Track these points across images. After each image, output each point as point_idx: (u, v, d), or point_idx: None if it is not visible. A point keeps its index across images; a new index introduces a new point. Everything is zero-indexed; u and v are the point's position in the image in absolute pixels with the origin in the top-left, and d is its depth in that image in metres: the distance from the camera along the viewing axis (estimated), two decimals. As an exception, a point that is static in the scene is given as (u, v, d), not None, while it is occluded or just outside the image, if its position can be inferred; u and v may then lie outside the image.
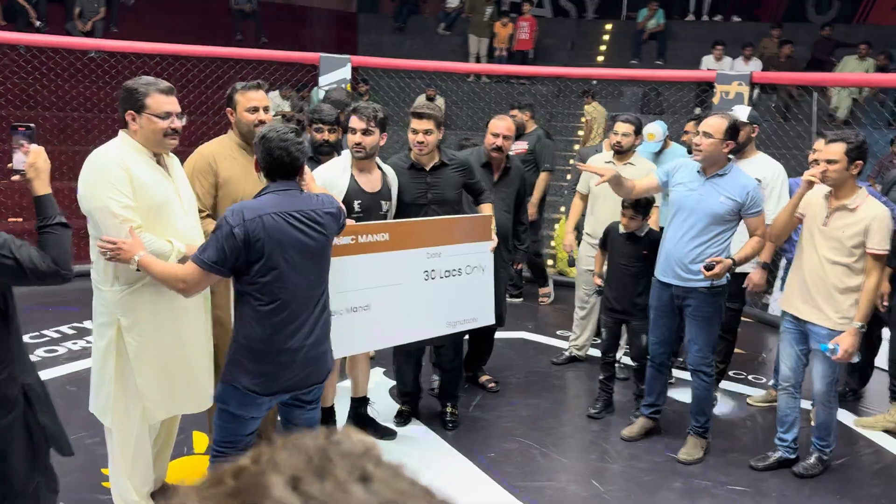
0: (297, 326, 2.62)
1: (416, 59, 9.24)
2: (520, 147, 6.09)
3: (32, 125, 2.38)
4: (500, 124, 4.34)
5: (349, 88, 6.73)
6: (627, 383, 4.64)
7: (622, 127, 4.74)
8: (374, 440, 0.54)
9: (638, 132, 4.78)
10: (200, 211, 3.13)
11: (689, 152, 4.79)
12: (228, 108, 3.34)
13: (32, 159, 2.27)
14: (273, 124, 2.71)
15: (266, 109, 3.31)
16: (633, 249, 4.18)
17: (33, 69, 8.20)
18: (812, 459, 3.77)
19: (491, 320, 4.05)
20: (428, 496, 0.49)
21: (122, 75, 9.14)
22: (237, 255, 2.48)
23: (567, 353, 5.21)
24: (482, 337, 4.64)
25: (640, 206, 4.08)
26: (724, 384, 4.83)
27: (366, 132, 3.48)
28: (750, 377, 5.11)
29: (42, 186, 2.27)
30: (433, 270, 3.72)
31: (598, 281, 4.39)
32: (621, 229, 4.20)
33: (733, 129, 3.62)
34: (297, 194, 2.63)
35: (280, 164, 2.59)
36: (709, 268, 3.55)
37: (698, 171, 3.74)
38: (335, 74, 6.84)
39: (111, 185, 2.64)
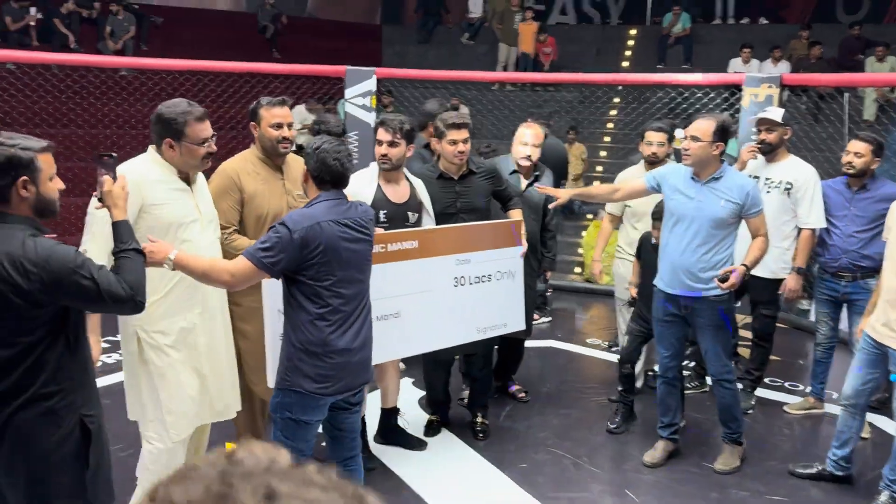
0: (347, 328, 2.72)
1: (441, 69, 9.26)
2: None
3: (115, 154, 2.45)
4: (528, 132, 4.31)
5: (374, 101, 6.74)
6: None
7: (655, 136, 4.52)
8: (278, 450, 0.51)
9: (671, 139, 4.64)
10: (225, 228, 3.16)
11: (678, 159, 4.65)
12: (252, 123, 3.37)
13: (108, 188, 2.36)
14: (323, 136, 2.82)
15: (290, 126, 3.37)
16: None
17: (66, 87, 8.36)
18: (883, 498, 3.40)
19: (521, 326, 4.02)
20: (344, 497, 0.46)
21: (153, 92, 9.29)
22: (291, 257, 2.58)
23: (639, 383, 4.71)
24: (512, 346, 4.59)
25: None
26: (760, 392, 4.72)
27: (392, 144, 3.51)
28: (786, 384, 5.00)
29: (118, 213, 2.35)
30: (463, 277, 3.72)
31: (634, 291, 4.28)
32: (653, 240, 4.09)
33: (722, 131, 3.50)
34: (345, 202, 2.75)
35: (335, 174, 2.72)
36: (724, 279, 3.45)
37: (692, 178, 3.61)
38: (361, 87, 6.86)
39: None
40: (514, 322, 3.98)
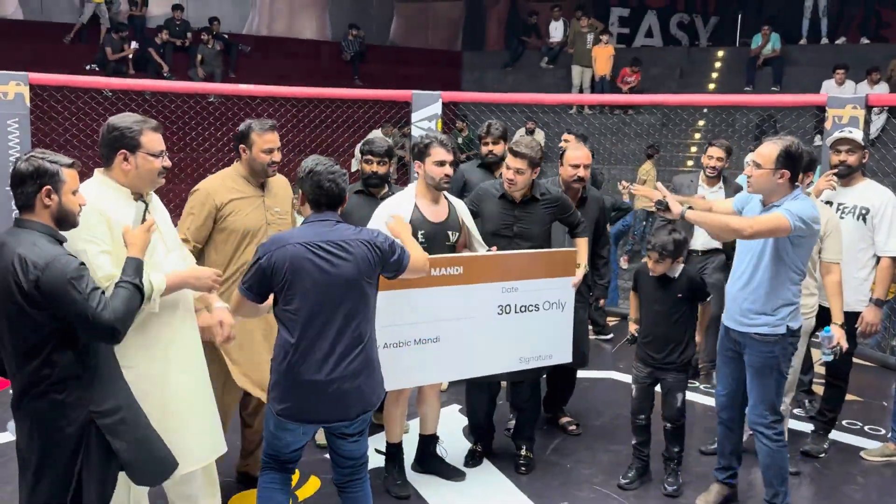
0: (321, 358, 2.61)
1: (520, 93, 9.20)
2: None
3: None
4: (578, 154, 4.17)
5: (440, 125, 6.73)
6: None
7: (716, 151, 4.74)
8: None
9: (730, 155, 4.60)
10: (187, 242, 3.17)
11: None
12: (242, 146, 3.38)
13: (126, 228, 2.48)
14: (316, 158, 2.77)
15: (279, 150, 3.41)
16: (665, 294, 3.69)
17: (157, 113, 8.78)
18: None
19: (568, 359, 3.87)
20: None
21: (237, 117, 9.64)
22: (264, 282, 2.63)
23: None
24: (563, 376, 4.42)
25: (666, 248, 3.61)
26: (835, 435, 4.34)
27: (452, 164, 3.54)
28: (866, 428, 4.58)
29: (133, 251, 2.43)
30: (508, 305, 3.62)
31: (633, 328, 3.92)
32: (650, 272, 3.72)
33: (787, 157, 3.12)
34: (331, 224, 2.68)
35: (329, 195, 2.69)
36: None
37: (761, 204, 3.29)
38: (426, 111, 6.88)
39: (89, 230, 2.51)
40: (560, 354, 3.84)
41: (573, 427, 4.44)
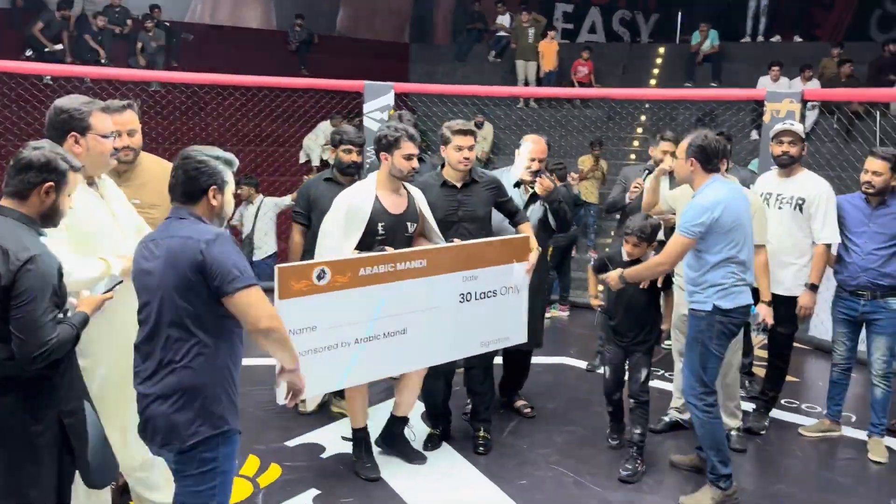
0: (136, 371, 2.38)
1: (467, 86, 9.28)
2: None
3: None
4: (534, 146, 4.27)
5: (391, 114, 6.76)
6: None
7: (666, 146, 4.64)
8: None
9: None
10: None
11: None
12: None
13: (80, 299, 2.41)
14: (194, 146, 2.42)
15: (130, 133, 3.05)
16: None
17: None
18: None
19: (523, 339, 3.99)
20: None
21: (185, 105, 9.48)
22: None
23: (668, 419, 4.37)
24: (517, 360, 4.53)
25: (644, 231, 3.81)
26: (775, 413, 4.57)
27: (420, 158, 3.64)
28: (803, 406, 4.84)
29: (83, 308, 2.35)
30: (469, 293, 3.72)
31: (597, 303, 4.09)
32: (625, 256, 3.89)
33: (695, 147, 3.45)
34: (177, 221, 2.32)
35: (174, 185, 2.36)
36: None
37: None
38: (379, 101, 6.90)
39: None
40: (515, 335, 3.95)
41: (528, 410, 4.56)
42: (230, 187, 2.42)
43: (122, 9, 11.93)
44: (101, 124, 2.59)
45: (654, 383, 4.53)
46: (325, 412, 4.43)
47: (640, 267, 3.63)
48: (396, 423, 3.91)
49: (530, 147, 4.24)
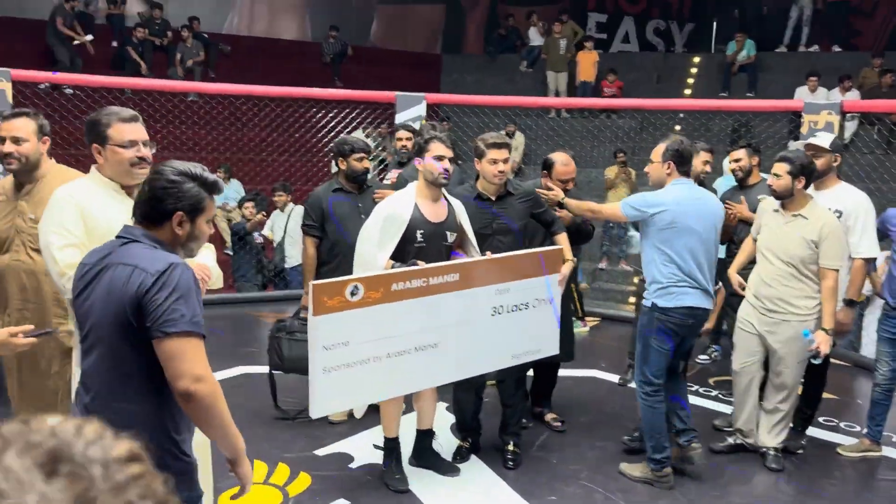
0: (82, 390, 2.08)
1: (498, 96, 9.28)
2: (392, 175, 5.49)
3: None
4: (568, 169, 4.30)
5: (424, 123, 6.78)
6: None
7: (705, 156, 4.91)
8: None
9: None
10: None
11: (738, 180, 4.74)
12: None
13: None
14: (171, 161, 2.09)
15: (16, 141, 3.03)
16: None
17: (138, 111, 8.71)
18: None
19: (555, 350, 3.95)
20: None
21: (222, 116, 9.62)
22: None
23: (732, 440, 4.18)
24: (545, 371, 4.49)
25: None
26: (813, 431, 4.46)
27: (452, 160, 3.58)
28: (842, 424, 4.71)
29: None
30: (501, 306, 3.68)
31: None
32: None
33: (671, 152, 3.69)
34: (128, 241, 1.98)
35: (140, 203, 2.03)
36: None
37: None
38: (411, 112, 6.93)
39: (58, 222, 2.55)
40: (547, 347, 3.92)
41: (558, 423, 4.51)
42: (205, 216, 2.02)
43: (163, 21, 12.18)
44: (118, 135, 2.57)
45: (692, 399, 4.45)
46: (354, 421, 4.42)
47: (582, 202, 3.99)
48: (424, 438, 3.89)
49: (559, 170, 4.26)
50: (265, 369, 4.48)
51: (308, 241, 4.31)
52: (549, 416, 4.55)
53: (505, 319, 3.68)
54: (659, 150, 3.76)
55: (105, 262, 1.96)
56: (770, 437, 4.02)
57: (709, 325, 4.33)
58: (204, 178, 2.01)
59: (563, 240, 3.98)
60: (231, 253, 8.30)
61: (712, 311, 3.91)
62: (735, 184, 5.16)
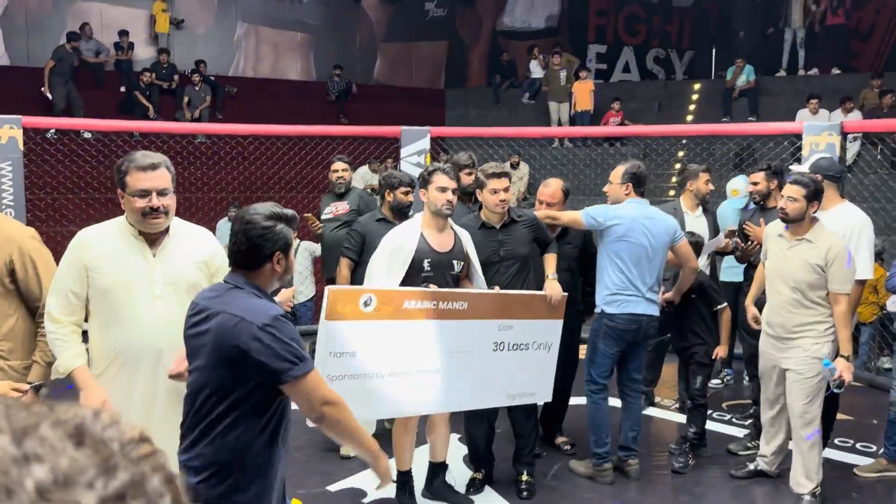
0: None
1: (501, 128, 9.39)
2: (341, 208, 5.50)
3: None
4: (545, 191, 4.42)
5: (428, 159, 6.86)
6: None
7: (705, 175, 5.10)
8: None
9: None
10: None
11: (756, 203, 4.71)
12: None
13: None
14: (255, 205, 2.22)
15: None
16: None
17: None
18: None
19: (548, 397, 4.00)
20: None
21: (230, 156, 9.75)
22: None
23: (752, 466, 4.16)
24: (556, 399, 4.47)
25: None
26: (828, 452, 4.40)
27: (454, 191, 3.61)
28: (858, 445, 4.66)
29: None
30: (503, 343, 3.72)
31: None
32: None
33: (629, 174, 4.03)
34: (226, 289, 2.16)
35: (236, 251, 2.18)
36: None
37: None
38: (415, 146, 7.00)
39: (60, 269, 2.62)
40: (542, 393, 3.95)
41: (568, 447, 4.51)
42: (292, 248, 2.22)
43: (170, 65, 12.40)
44: (133, 183, 2.51)
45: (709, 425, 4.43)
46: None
47: (541, 211, 4.21)
48: (437, 471, 3.88)
49: (539, 191, 4.45)
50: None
51: (343, 261, 4.47)
52: (559, 440, 4.55)
53: (504, 357, 3.70)
54: (618, 172, 4.09)
55: (215, 307, 2.13)
56: (805, 482, 3.81)
57: (721, 350, 4.35)
58: (286, 216, 2.19)
59: (550, 258, 4.02)
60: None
61: (656, 316, 4.11)
62: (742, 206, 5.20)
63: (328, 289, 3.11)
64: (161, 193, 2.52)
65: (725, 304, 4.38)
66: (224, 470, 2.10)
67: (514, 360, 3.72)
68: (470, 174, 4.49)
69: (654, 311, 4.04)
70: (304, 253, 7.82)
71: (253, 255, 2.14)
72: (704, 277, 4.39)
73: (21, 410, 0.45)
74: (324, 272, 5.79)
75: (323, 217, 5.58)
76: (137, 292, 2.57)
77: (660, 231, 4.00)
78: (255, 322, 2.04)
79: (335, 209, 5.52)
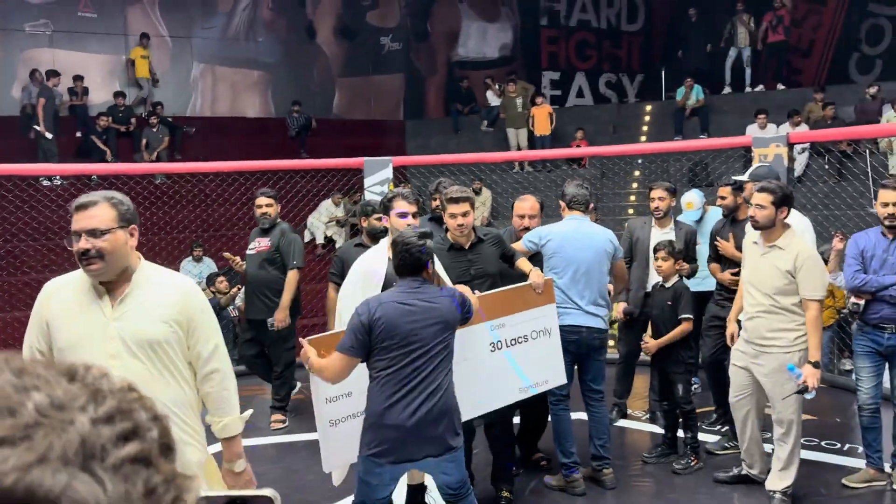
0: (408, 404, 2.88)
1: (462, 154, 9.55)
2: (263, 244, 5.46)
3: None
4: (525, 205, 4.48)
5: (391, 187, 6.94)
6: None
7: (656, 192, 5.11)
8: None
9: (672, 194, 5.11)
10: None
11: (725, 216, 4.82)
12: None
13: None
14: (404, 230, 3.13)
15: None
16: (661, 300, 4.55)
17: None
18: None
19: (563, 380, 4.07)
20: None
21: (191, 194, 9.72)
22: (363, 336, 2.89)
23: (736, 471, 4.23)
24: (534, 412, 4.55)
25: (672, 247, 4.54)
26: (811, 455, 4.51)
27: (415, 215, 3.71)
28: (823, 443, 4.79)
29: None
30: (499, 341, 3.78)
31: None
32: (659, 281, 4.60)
33: (562, 194, 4.35)
34: (416, 286, 2.99)
35: (404, 264, 3.00)
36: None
37: None
38: (378, 175, 7.09)
39: (30, 323, 2.37)
40: (554, 378, 4.01)
41: (544, 463, 4.57)
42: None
43: (126, 108, 12.35)
44: (72, 225, 2.24)
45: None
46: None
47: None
48: (415, 493, 3.89)
49: (517, 206, 4.57)
50: (248, 441, 4.45)
51: (330, 286, 4.84)
52: (536, 456, 4.61)
53: (506, 354, 3.75)
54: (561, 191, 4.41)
55: (422, 300, 2.96)
56: (776, 480, 3.91)
57: (652, 343, 4.52)
58: (426, 234, 3.02)
59: (522, 261, 4.10)
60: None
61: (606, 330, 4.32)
62: (697, 218, 5.38)
63: (304, 341, 3.05)
64: (91, 234, 2.18)
65: (690, 317, 4.42)
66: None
67: (517, 355, 3.78)
68: (380, 219, 4.49)
69: (596, 323, 4.15)
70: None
71: (421, 266, 2.99)
72: (682, 288, 4.48)
73: (17, 357, 0.52)
74: (247, 311, 5.65)
75: (247, 252, 5.60)
76: (90, 352, 2.22)
77: (595, 246, 4.16)
78: (454, 295, 3.08)
79: (257, 245, 5.52)
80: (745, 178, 4.57)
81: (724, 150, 9.03)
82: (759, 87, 13.92)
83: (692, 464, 4.40)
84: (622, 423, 5.38)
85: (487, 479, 4.17)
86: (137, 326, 2.27)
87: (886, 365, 4.17)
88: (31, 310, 2.38)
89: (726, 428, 4.79)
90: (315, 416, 3.12)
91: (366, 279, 3.60)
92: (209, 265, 9.70)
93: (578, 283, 4.10)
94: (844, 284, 4.38)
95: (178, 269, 9.71)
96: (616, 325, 5.57)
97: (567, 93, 16.98)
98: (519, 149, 13.13)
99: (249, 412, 2.56)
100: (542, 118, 13.10)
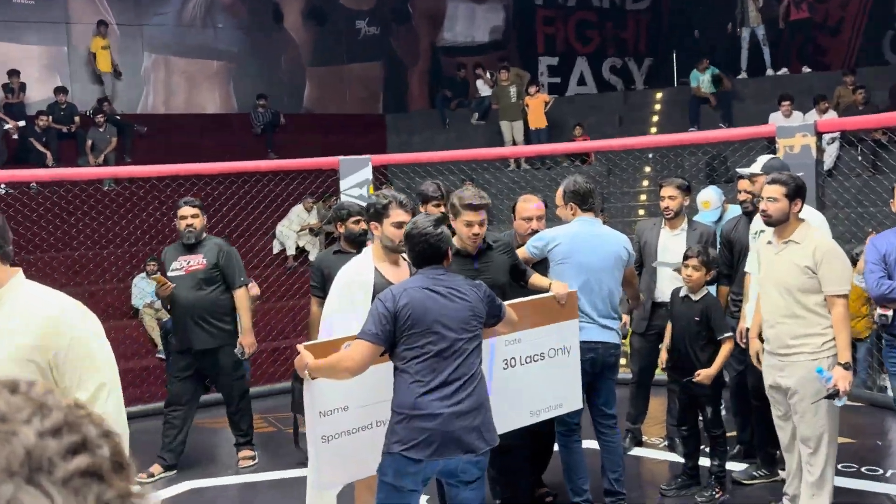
0: (443, 394, 2.99)
1: (450, 151, 9.55)
2: (195, 262, 5.31)
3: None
4: (530, 206, 4.47)
5: (371, 189, 6.94)
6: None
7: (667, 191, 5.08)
8: None
9: (685, 192, 5.09)
10: None
11: (744, 212, 4.84)
12: None
13: None
14: (416, 219, 3.27)
15: None
16: (686, 313, 4.49)
17: (42, 208, 8.74)
18: None
19: (578, 405, 4.10)
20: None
21: (145, 202, 9.68)
22: (388, 324, 3.00)
23: None
24: (540, 442, 4.55)
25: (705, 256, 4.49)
26: (849, 482, 4.51)
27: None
28: (863, 469, 4.81)
29: None
30: (513, 358, 3.79)
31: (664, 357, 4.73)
32: (682, 292, 4.52)
33: (567, 192, 4.25)
34: (439, 273, 3.16)
35: (424, 255, 3.17)
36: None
37: None
38: (356, 176, 7.08)
39: None
40: (570, 402, 4.03)
41: (549, 498, 4.57)
42: None
43: (69, 105, 12.30)
44: None
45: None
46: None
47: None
48: None
49: (520, 207, 4.55)
50: (216, 482, 4.46)
51: (313, 300, 4.90)
52: (541, 491, 4.60)
53: (518, 372, 3.76)
54: (559, 193, 4.32)
55: (449, 286, 3.13)
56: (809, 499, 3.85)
57: (705, 374, 4.45)
58: (440, 220, 3.24)
59: (538, 279, 4.12)
60: (163, 356, 8.07)
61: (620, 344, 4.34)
62: (715, 219, 5.42)
63: (300, 346, 3.13)
64: None
65: (731, 335, 4.42)
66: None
67: (531, 374, 3.79)
68: (438, 206, 4.39)
69: (612, 337, 4.17)
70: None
71: (439, 253, 3.17)
72: (713, 302, 4.45)
73: None
74: (182, 342, 5.32)
75: (170, 273, 5.33)
76: None
77: (609, 252, 4.14)
78: (480, 284, 3.28)
79: (185, 264, 5.29)
80: (756, 170, 4.57)
81: (744, 141, 9.07)
82: (783, 71, 14.01)
83: (717, 496, 4.38)
84: (637, 451, 5.38)
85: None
86: None
87: None
88: None
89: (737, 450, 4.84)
90: (307, 429, 3.16)
91: (352, 289, 3.61)
92: (165, 282, 9.64)
93: (591, 293, 4.07)
94: (868, 293, 4.40)
95: (129, 287, 9.66)
96: (628, 339, 5.57)
97: (567, 80, 17.05)
98: (514, 143, 13.15)
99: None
100: (538, 110, 13.12)
